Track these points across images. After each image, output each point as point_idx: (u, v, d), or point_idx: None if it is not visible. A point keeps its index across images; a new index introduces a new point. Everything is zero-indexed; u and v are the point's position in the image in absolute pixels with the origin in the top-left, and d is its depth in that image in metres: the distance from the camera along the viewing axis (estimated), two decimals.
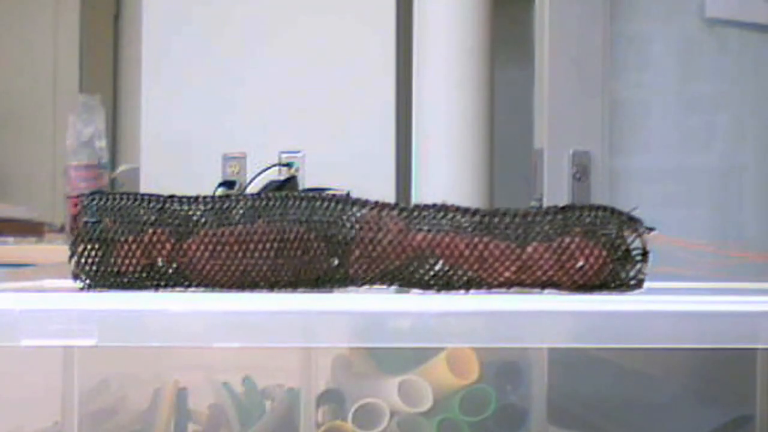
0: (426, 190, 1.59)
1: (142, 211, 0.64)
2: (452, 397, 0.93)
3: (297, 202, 0.64)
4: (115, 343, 0.57)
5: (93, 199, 0.65)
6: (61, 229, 2.14)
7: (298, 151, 1.69)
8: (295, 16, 1.74)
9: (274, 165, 1.69)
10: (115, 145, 2.55)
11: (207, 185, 1.65)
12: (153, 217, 0.64)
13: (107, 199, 0.65)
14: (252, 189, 1.65)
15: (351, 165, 1.66)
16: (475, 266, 0.62)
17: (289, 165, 1.69)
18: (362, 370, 0.98)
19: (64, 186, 2.01)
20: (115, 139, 2.56)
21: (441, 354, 0.93)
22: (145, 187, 1.79)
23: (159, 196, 0.65)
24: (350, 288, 0.68)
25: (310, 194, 0.65)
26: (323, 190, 1.57)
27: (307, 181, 1.67)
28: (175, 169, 1.77)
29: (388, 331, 0.58)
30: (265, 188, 1.63)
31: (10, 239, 1.92)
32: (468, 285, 0.63)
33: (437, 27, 1.60)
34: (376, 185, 1.63)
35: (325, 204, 0.64)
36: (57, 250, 1.75)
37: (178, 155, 1.78)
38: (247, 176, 1.72)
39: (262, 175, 1.68)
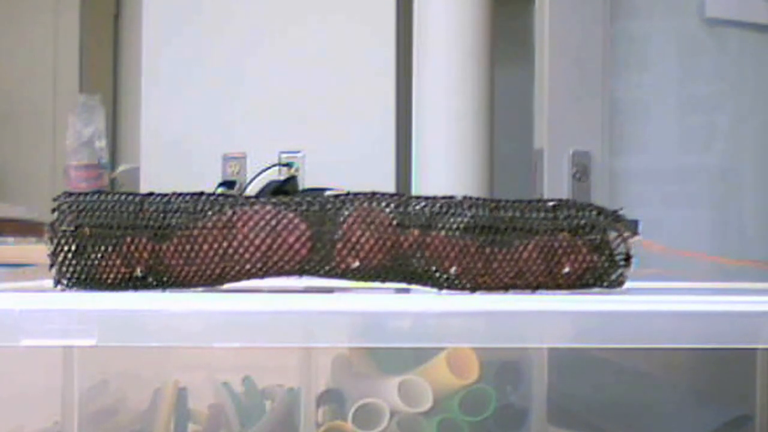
0: (426, 191, 1.59)
1: (118, 215, 0.63)
2: (452, 397, 0.93)
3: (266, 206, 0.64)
4: (115, 343, 0.57)
5: (68, 204, 0.63)
6: None
7: (298, 151, 1.69)
8: (295, 16, 1.74)
9: (274, 165, 1.69)
10: (115, 145, 2.54)
11: (207, 185, 1.65)
12: (130, 221, 0.63)
13: (82, 203, 0.63)
14: (252, 189, 1.65)
15: (351, 165, 1.66)
16: (483, 272, 0.63)
17: (289, 165, 1.69)
18: (362, 370, 0.98)
19: (64, 186, 2.01)
20: (115, 139, 2.55)
21: (441, 354, 0.93)
22: (145, 187, 1.79)
23: (136, 195, 0.64)
24: (350, 288, 0.68)
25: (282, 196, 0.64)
26: (323, 190, 1.57)
27: (307, 181, 1.67)
28: (175, 169, 1.77)
29: (388, 331, 0.58)
30: (265, 188, 1.63)
31: (10, 239, 1.91)
32: (472, 289, 0.63)
33: (437, 27, 1.60)
34: (376, 185, 1.62)
35: (304, 206, 0.63)
36: None
37: (178, 155, 1.78)
38: (247, 176, 1.72)
39: (262, 175, 1.68)
